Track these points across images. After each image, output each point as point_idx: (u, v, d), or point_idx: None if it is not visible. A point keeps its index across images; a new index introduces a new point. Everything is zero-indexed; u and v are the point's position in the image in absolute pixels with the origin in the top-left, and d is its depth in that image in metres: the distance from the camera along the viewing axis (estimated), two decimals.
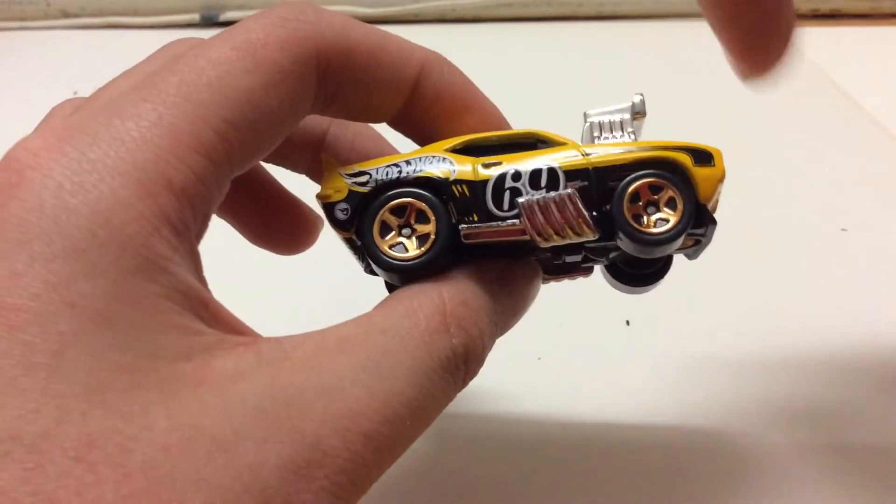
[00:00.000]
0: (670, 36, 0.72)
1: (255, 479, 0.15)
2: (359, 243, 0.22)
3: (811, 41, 0.69)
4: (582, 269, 0.25)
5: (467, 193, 0.21)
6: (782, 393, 0.34)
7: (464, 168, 0.21)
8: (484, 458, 0.32)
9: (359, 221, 0.21)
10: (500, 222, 0.21)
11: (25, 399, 0.14)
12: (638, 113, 0.23)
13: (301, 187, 0.27)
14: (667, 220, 0.21)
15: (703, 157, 0.22)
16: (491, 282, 0.21)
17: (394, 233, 0.21)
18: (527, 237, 0.21)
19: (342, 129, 0.26)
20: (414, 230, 0.21)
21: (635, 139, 0.23)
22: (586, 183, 0.21)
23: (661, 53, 0.69)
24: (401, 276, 0.21)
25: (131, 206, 0.16)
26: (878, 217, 0.46)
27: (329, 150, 0.25)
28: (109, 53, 0.68)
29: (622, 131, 0.23)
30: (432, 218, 0.21)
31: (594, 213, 0.21)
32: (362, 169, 0.22)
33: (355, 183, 0.22)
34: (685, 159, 0.21)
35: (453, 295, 0.20)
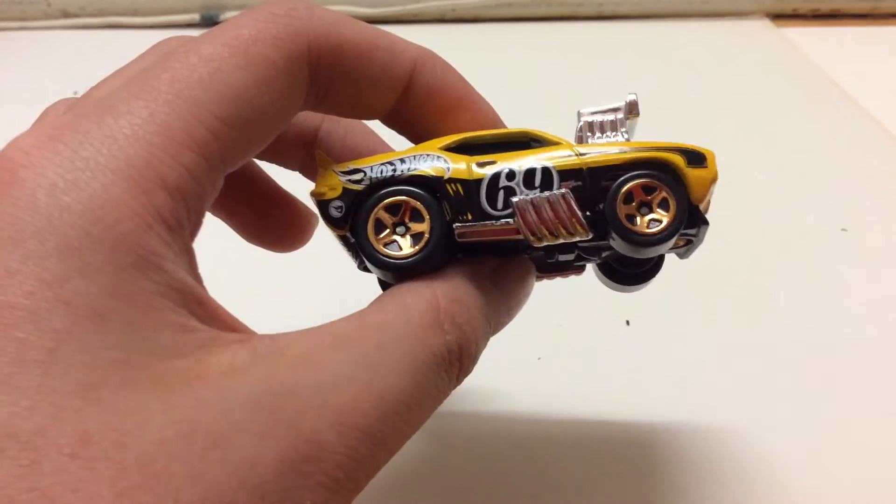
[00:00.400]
0: (670, 36, 0.72)
1: (252, 474, 0.15)
2: (353, 241, 0.22)
3: (811, 41, 0.69)
4: (574, 268, 0.25)
5: (461, 192, 0.21)
6: (782, 393, 0.34)
7: (458, 167, 0.21)
8: (484, 458, 0.32)
9: (353, 219, 0.21)
10: (494, 221, 0.21)
11: (20, 396, 0.14)
12: (631, 112, 0.23)
13: (295, 184, 0.27)
14: (660, 221, 0.21)
15: (696, 158, 0.22)
16: (484, 280, 0.21)
17: (388, 231, 0.21)
18: (520, 236, 0.21)
19: (334, 126, 0.26)
20: (408, 228, 0.21)
21: (628, 139, 0.23)
22: (580, 183, 0.21)
23: (661, 53, 0.69)
24: (395, 273, 0.21)
25: (124, 204, 0.16)
26: (878, 217, 0.46)
27: (321, 146, 0.25)
28: (109, 53, 0.67)
29: (616, 131, 0.23)
30: (427, 216, 0.21)
31: (587, 213, 0.21)
32: (357, 167, 0.22)
33: (350, 181, 0.22)
34: (678, 160, 0.21)
35: (447, 292, 0.20)
